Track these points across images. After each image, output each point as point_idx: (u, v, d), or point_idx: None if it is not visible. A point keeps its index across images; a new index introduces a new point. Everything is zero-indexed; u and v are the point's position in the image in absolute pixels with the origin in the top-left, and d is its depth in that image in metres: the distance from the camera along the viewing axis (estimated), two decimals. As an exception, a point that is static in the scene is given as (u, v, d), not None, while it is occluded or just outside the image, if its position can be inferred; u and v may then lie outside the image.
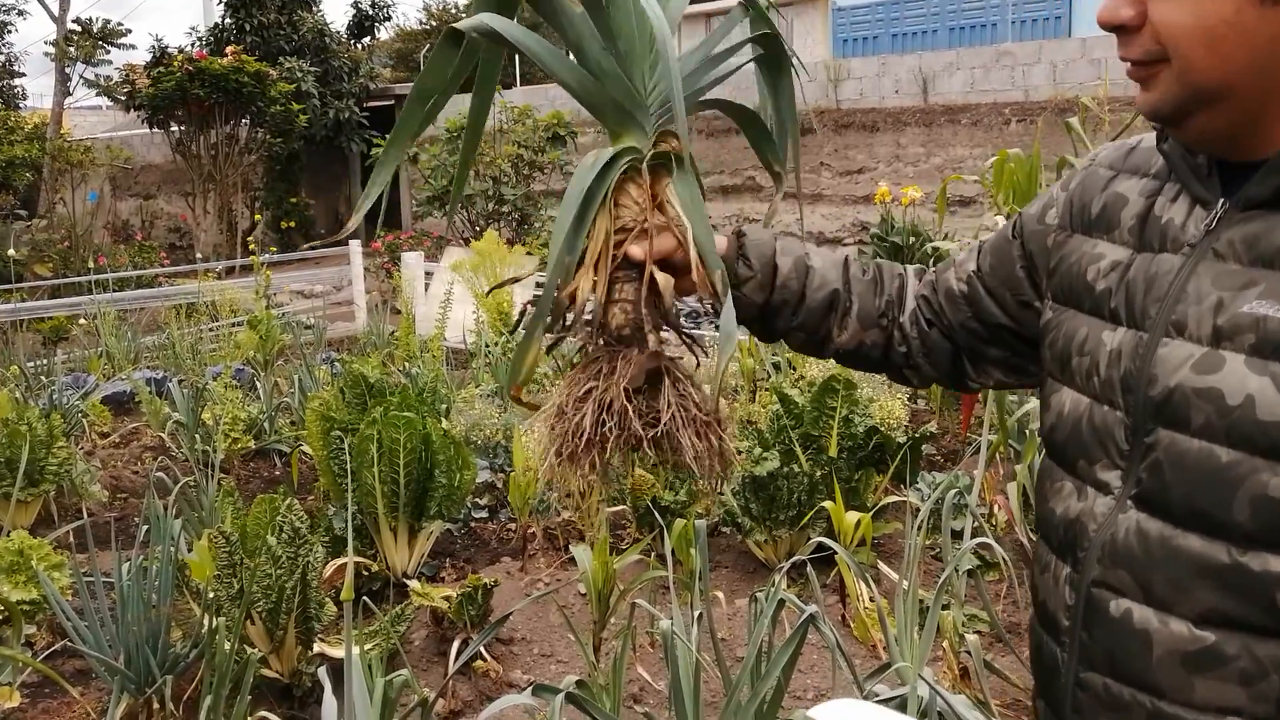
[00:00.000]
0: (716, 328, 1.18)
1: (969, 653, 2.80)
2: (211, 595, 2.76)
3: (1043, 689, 1.19)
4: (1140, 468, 1.04)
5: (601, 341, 1.20)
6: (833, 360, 1.44)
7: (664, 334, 1.22)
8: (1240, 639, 0.97)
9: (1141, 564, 1.03)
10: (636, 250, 1.18)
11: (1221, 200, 1.03)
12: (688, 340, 1.30)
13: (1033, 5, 16.58)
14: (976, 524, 3.54)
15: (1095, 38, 12.25)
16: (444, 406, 5.12)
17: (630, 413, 1.15)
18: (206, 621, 2.69)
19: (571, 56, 1.21)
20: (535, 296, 1.20)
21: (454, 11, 34.96)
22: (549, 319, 1.20)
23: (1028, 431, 4.11)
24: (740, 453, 3.97)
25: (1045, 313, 1.20)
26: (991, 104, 12.32)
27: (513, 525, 4.40)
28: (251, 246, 9.83)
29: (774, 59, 1.27)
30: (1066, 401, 1.14)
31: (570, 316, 1.21)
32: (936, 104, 12.74)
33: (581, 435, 1.15)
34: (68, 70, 20.79)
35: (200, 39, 18.41)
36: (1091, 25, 14.93)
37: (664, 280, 1.19)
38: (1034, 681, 1.23)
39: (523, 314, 1.23)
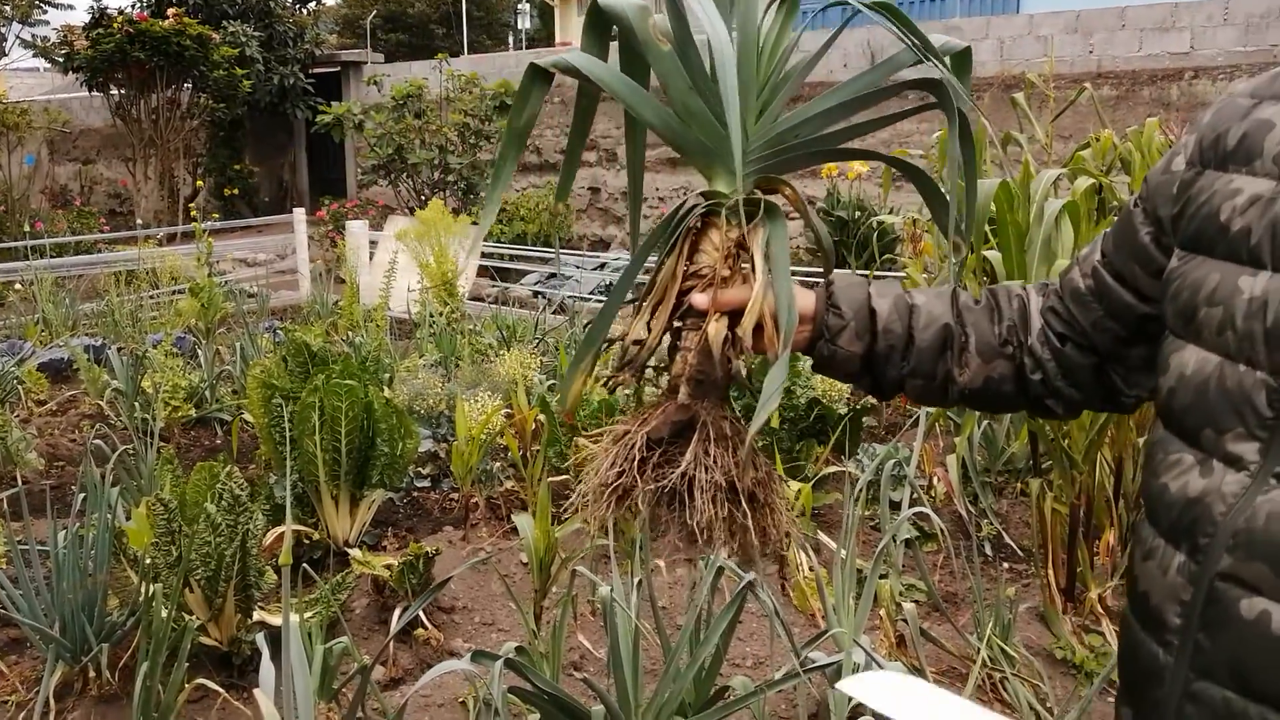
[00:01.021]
0: None
1: (905, 621, 2.85)
2: (149, 562, 2.73)
3: (1133, 696, 1.04)
4: None
5: (669, 389, 1.15)
6: (965, 405, 1.29)
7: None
8: None
9: None
10: (700, 299, 1.12)
11: None
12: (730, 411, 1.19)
13: (981, -18, 16.70)
14: (915, 495, 3.60)
15: (1042, 14, 12.36)
16: (387, 376, 5.09)
17: (635, 463, 1.10)
18: (143, 589, 2.66)
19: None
20: (588, 323, 1.19)
21: (402, -23, 34.45)
22: (621, 359, 1.17)
23: (967, 404, 4.17)
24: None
25: (1172, 262, 1.05)
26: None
27: (455, 495, 4.40)
28: (193, 213, 9.66)
29: (963, 134, 1.15)
30: (1191, 361, 0.98)
31: (629, 357, 1.17)
32: (879, 45, 12.79)
33: (604, 484, 1.12)
34: (3, 31, 20.19)
35: (141, 1, 18.00)
36: (1040, 2, 15.07)
37: (713, 332, 1.12)
38: (1120, 685, 1.09)
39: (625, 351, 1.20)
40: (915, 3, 16.18)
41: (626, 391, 1.21)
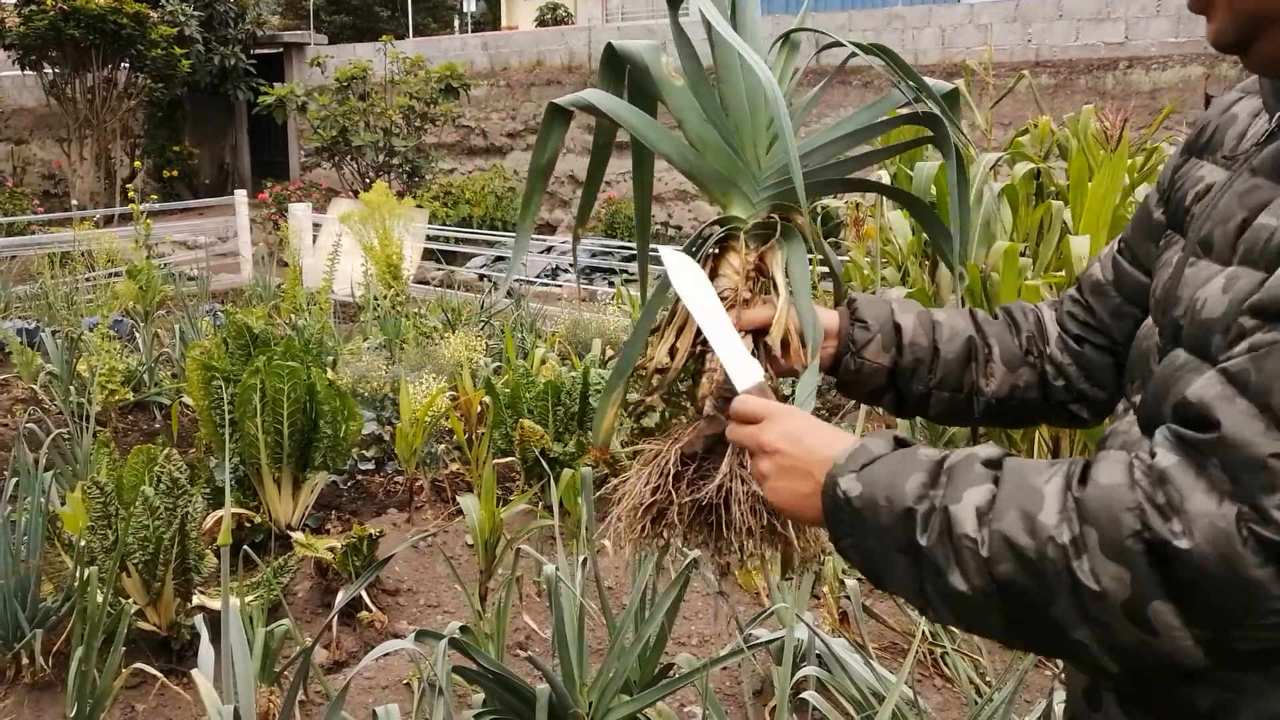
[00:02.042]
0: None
1: (848, 598, 2.88)
2: (84, 546, 2.68)
3: None
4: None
5: (697, 409, 1.17)
6: (990, 421, 1.31)
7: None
8: None
9: None
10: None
11: (1277, 115, 0.99)
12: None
13: (925, -30, 16.81)
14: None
15: (983, 4, 12.49)
16: (331, 359, 5.04)
17: (670, 477, 1.12)
18: (78, 573, 2.62)
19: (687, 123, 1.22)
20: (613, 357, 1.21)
21: (345, -43, 33.95)
22: (646, 384, 1.20)
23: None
24: (629, 405, 3.99)
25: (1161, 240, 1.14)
26: (883, 66, 12.48)
27: (400, 478, 4.37)
28: (131, 195, 9.48)
29: (959, 168, 1.22)
30: (1142, 325, 1.10)
31: (655, 382, 1.20)
32: (829, 64, 12.83)
33: (640, 503, 1.13)
34: (-70, 6, 19.67)
35: (76, -24, 17.57)
36: (981, -8, 15.21)
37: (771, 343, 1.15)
38: None
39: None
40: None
41: (650, 419, 1.23)
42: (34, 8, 14.40)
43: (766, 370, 1.14)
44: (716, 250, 1.20)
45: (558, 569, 2.30)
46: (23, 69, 15.39)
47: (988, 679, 2.73)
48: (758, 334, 1.17)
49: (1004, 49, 11.48)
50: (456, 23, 30.60)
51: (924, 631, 2.79)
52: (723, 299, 1.16)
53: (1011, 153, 4.54)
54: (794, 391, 1.15)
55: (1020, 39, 11.76)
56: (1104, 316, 1.24)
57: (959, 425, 1.40)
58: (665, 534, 1.14)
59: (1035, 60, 11.48)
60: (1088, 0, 11.42)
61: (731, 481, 1.11)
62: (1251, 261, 0.91)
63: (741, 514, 1.10)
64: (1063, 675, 1.15)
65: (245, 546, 3.03)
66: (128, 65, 15.48)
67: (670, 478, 1.12)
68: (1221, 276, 0.93)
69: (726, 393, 1.13)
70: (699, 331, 1.15)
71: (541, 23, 25.32)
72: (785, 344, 1.15)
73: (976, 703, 2.40)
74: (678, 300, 1.18)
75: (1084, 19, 11.43)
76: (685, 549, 1.23)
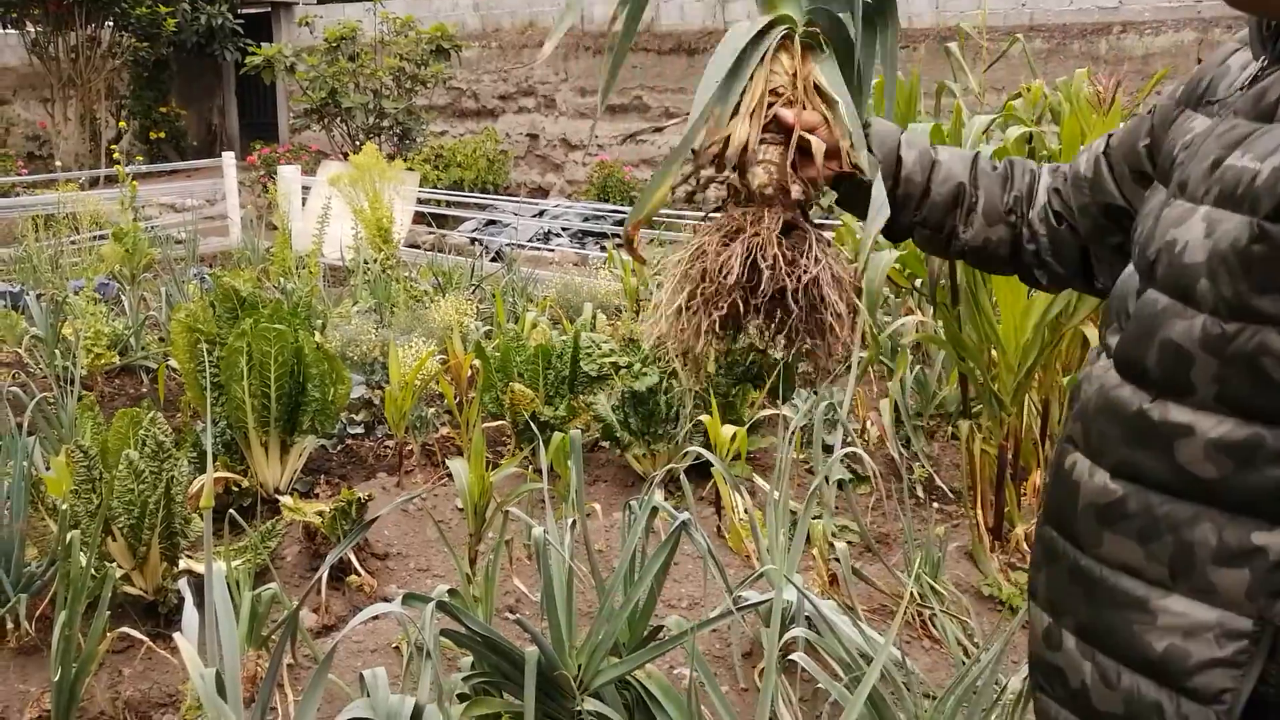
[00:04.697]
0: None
1: (838, 560, 2.87)
2: (67, 509, 2.66)
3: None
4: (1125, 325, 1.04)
5: (741, 200, 1.18)
6: (962, 259, 1.41)
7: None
8: (1144, 495, 0.98)
9: (1090, 415, 1.05)
10: (787, 114, 1.17)
11: (1262, 59, 1.01)
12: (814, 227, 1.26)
13: (920, -69, 16.64)
14: (848, 439, 3.62)
15: (978, -35, 12.37)
16: (320, 322, 5.00)
17: (781, 259, 1.12)
18: (62, 537, 2.60)
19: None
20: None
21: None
22: (695, 166, 1.20)
23: (900, 347, 4.21)
24: (620, 369, 3.97)
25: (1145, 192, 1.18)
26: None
27: (390, 442, 4.35)
28: (116, 156, 9.38)
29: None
30: (1122, 273, 1.12)
31: (714, 164, 1.19)
32: (823, 27, 12.75)
33: (728, 276, 1.12)
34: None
35: (58, -66, 17.31)
36: (976, -47, 15.07)
37: (817, 143, 1.17)
38: None
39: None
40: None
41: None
42: (16, -35, 14.19)
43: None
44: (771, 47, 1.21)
45: (546, 532, 2.29)
46: (4, 27, 15.18)
47: (975, 640, 2.73)
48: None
49: (997, 13, 11.38)
50: (446, -17, 30.28)
51: (912, 593, 2.79)
52: (777, 95, 1.19)
53: (1004, 116, 4.50)
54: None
55: (1014, 3, 11.66)
56: (1074, 207, 1.31)
57: (936, 256, 1.49)
58: (731, 311, 1.13)
59: (1029, 25, 11.39)
60: (1083, -36, 11.32)
61: (824, 269, 1.13)
62: (1233, 203, 0.92)
63: (834, 298, 1.13)
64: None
65: (232, 510, 3.01)
66: (112, 24, 15.28)
67: (771, 257, 1.12)
68: (1199, 219, 0.95)
69: (785, 186, 1.17)
70: (768, 117, 1.17)
71: (532, -17, 25.05)
72: (833, 151, 1.19)
73: (964, 663, 2.40)
74: (747, 85, 1.18)
75: (1079, -18, 11.33)
76: (757, 342, 1.22)
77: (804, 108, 1.19)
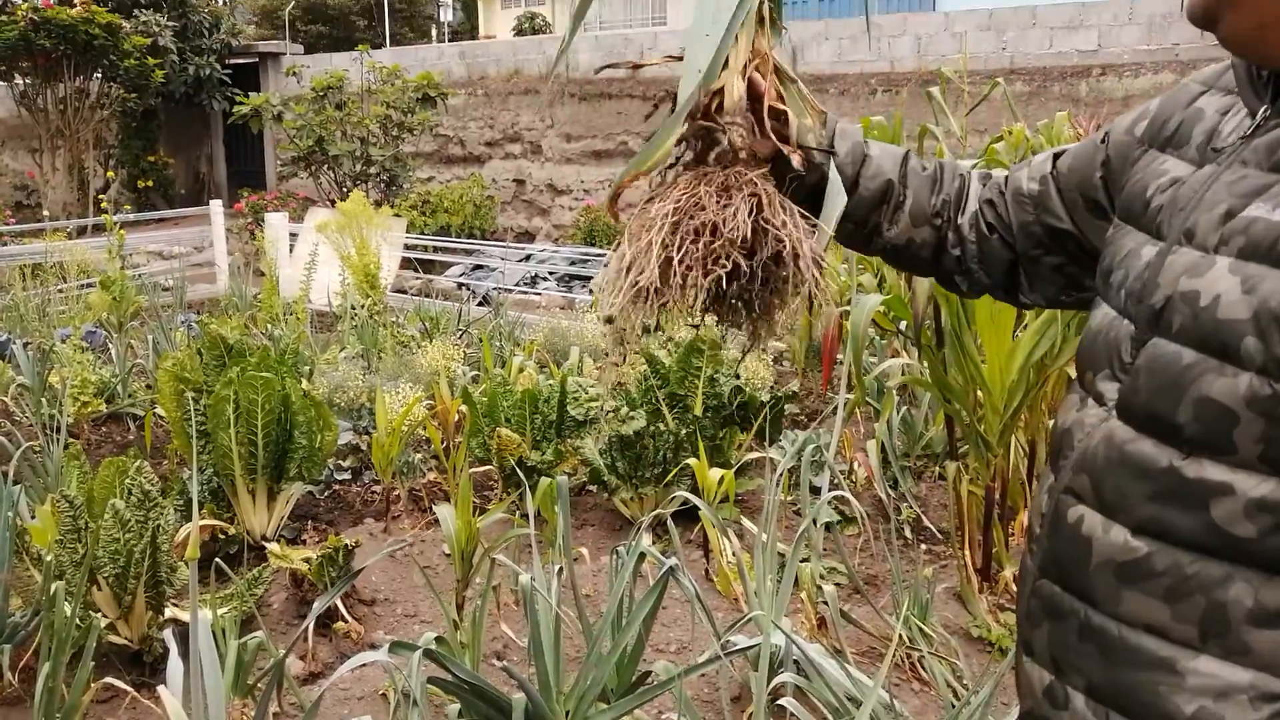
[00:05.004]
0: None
1: (826, 603, 2.87)
2: (52, 559, 2.64)
3: (1017, 600, 1.16)
4: (1130, 376, 1.01)
5: (723, 158, 1.14)
6: (881, 257, 1.38)
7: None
8: (1172, 554, 0.94)
9: (1100, 470, 1.01)
10: (760, 80, 1.16)
11: (1264, 108, 1.00)
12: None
13: (900, -22, 16.90)
14: (835, 480, 3.63)
15: (958, 12, 12.56)
16: (307, 368, 5.00)
17: (782, 219, 1.09)
18: (46, 587, 2.58)
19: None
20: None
21: (321, -32, 33.89)
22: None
23: (886, 389, 4.23)
24: (608, 413, 3.98)
25: (1110, 229, 1.16)
26: (859, 74, 12.54)
27: (377, 487, 4.34)
28: (104, 205, 9.40)
29: None
30: (1098, 316, 1.10)
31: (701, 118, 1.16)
32: (805, 73, 12.90)
33: (734, 231, 1.06)
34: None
35: (47, -13, 17.46)
36: (955, 0, 15.31)
37: (791, 116, 1.16)
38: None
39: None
40: (834, 0, 16.35)
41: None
42: (4, 19, 14.30)
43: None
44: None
45: (533, 578, 2.29)
46: (-6, 79, 15.28)
47: (965, 682, 2.73)
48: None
49: (979, 57, 11.55)
50: (434, 32, 30.55)
51: (901, 636, 2.79)
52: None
53: (986, 160, 4.56)
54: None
55: (995, 47, 11.83)
56: (1014, 223, 1.29)
57: (856, 252, 1.45)
58: (700, 274, 1.07)
59: (1010, 68, 11.55)
60: (1061, 8, 11.50)
61: (804, 229, 1.10)
62: (1271, 259, 0.90)
63: (808, 260, 1.09)
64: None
65: (218, 559, 2.99)
66: (100, 75, 15.39)
67: (746, 221, 1.07)
68: (1224, 271, 0.92)
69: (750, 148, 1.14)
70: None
71: (519, 32, 25.31)
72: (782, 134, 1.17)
73: (954, 705, 2.39)
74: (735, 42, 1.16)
75: (1057, 27, 11.52)
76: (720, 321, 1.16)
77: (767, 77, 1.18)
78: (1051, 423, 1.22)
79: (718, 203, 1.08)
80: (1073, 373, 3.36)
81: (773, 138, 1.15)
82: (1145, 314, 1.00)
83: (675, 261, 1.06)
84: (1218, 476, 0.91)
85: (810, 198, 1.20)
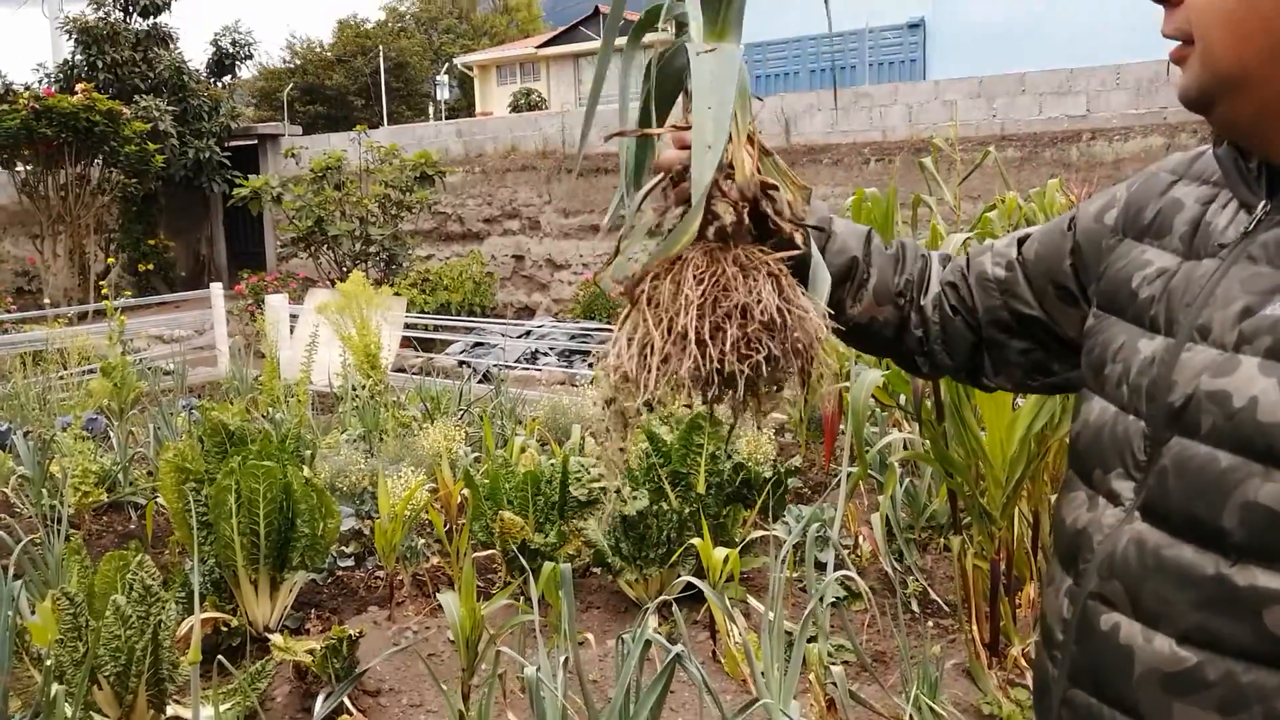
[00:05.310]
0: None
1: (834, 684, 2.84)
2: (52, 661, 2.62)
3: (1036, 708, 1.13)
4: (1152, 477, 0.98)
5: (727, 234, 1.09)
6: (842, 337, 1.31)
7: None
8: (1223, 663, 0.91)
9: (1135, 575, 0.97)
10: (745, 155, 1.12)
11: (1264, 203, 0.99)
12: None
13: (889, 48, 17.22)
14: (840, 556, 3.61)
15: (948, 80, 12.76)
16: (309, 452, 4.99)
17: (793, 297, 1.05)
18: (46, 690, 2.55)
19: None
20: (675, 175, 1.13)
21: (318, 51, 34.55)
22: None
23: (889, 463, 4.22)
24: (609, 492, 3.97)
25: (1089, 319, 1.15)
26: (851, 144, 12.70)
27: (380, 573, 4.31)
28: (105, 291, 9.47)
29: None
30: (1095, 410, 1.08)
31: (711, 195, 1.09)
32: (799, 144, 13.07)
33: (738, 312, 1.01)
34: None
35: (49, 76, 17.76)
36: (944, 68, 15.58)
37: (779, 194, 1.12)
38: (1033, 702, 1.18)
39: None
40: (826, 71, 16.61)
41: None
42: (6, 108, 14.51)
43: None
44: None
45: (538, 669, 2.27)
46: (-3, 167, 15.47)
47: (980, 765, 2.69)
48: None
49: (969, 124, 11.71)
50: (431, 110, 31.01)
51: (911, 716, 2.75)
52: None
53: (979, 231, 4.61)
54: None
55: (985, 114, 12.00)
56: (979, 307, 1.28)
57: None
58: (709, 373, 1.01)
59: (1001, 134, 11.70)
60: (1049, 75, 11.69)
61: (789, 310, 1.05)
62: None
63: (804, 342, 1.04)
64: None
65: (220, 653, 2.97)
66: (101, 161, 15.58)
67: (770, 297, 1.02)
68: (1255, 372, 0.91)
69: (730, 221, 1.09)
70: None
71: (515, 109, 25.70)
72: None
73: (969, 791, 2.36)
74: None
75: (1046, 93, 11.68)
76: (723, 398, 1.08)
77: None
78: (1054, 517, 1.14)
79: (744, 284, 1.04)
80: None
81: (770, 214, 1.12)
82: (1161, 412, 0.98)
83: (711, 348, 1.01)
84: (1271, 584, 0.88)
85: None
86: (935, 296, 1.31)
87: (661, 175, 1.19)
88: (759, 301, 1.03)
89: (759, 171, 1.13)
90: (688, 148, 1.12)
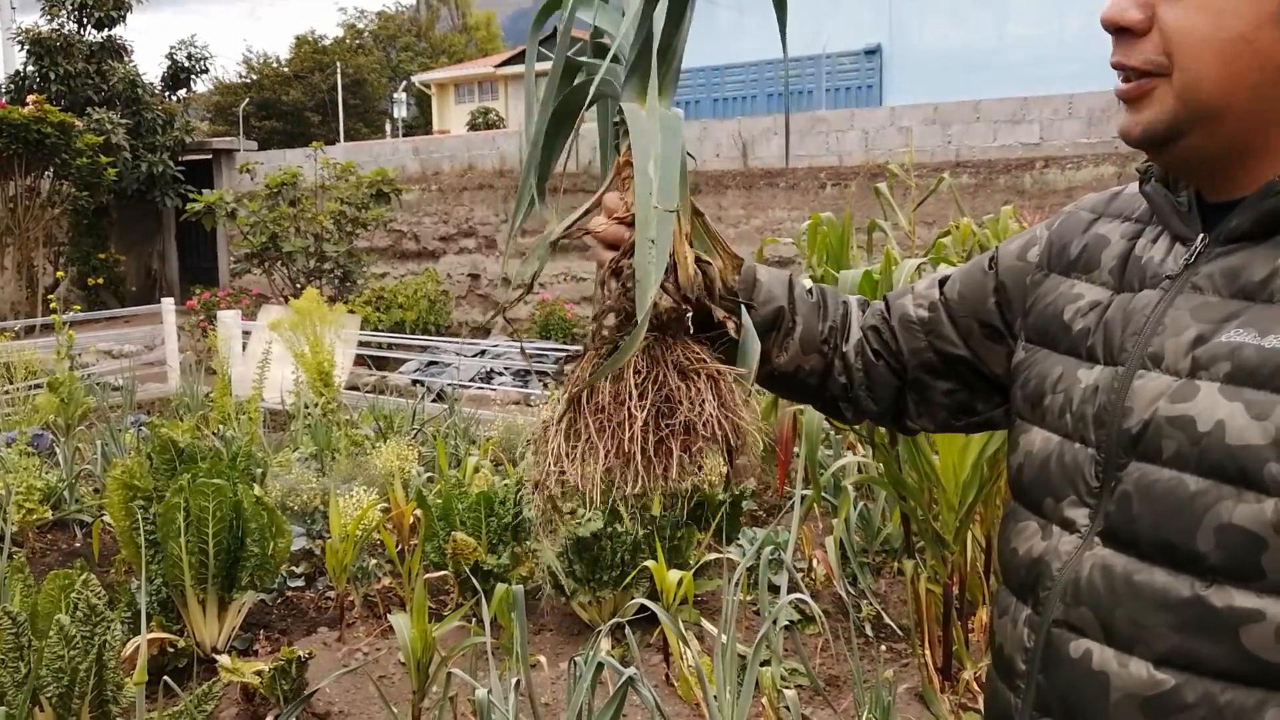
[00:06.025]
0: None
1: (788, 708, 2.84)
2: (-6, 682, 2.56)
3: None
4: (1109, 503, 0.99)
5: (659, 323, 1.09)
6: (765, 386, 1.33)
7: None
8: (1201, 684, 0.92)
9: (1105, 602, 0.98)
10: (685, 250, 1.11)
11: (1201, 235, 1.01)
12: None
13: (846, 74, 17.41)
14: (794, 579, 3.62)
15: (903, 106, 12.93)
16: (260, 471, 4.93)
17: (729, 389, 1.07)
18: (-13, 711, 2.50)
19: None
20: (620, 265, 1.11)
21: (274, 66, 34.32)
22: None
23: (843, 486, 4.24)
24: (564, 514, 3.95)
25: (1018, 353, 1.17)
26: (808, 168, 12.81)
27: (331, 594, 4.26)
28: (53, 305, 9.31)
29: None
30: (1036, 441, 1.09)
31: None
32: (756, 167, 13.17)
33: (681, 428, 1.04)
34: None
35: None
36: (900, 94, 15.78)
37: (714, 273, 1.12)
38: None
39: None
40: (778, 96, 16.76)
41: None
42: (-45, 119, 14.29)
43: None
44: None
45: (490, 691, 2.25)
46: (-57, 179, 15.21)
47: (931, 788, 2.70)
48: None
49: (925, 150, 11.86)
50: (388, 128, 30.89)
51: (865, 741, 2.76)
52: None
53: (933, 257, 4.66)
54: None
55: (940, 140, 12.16)
56: (903, 350, 1.28)
57: None
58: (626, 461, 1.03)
59: (955, 161, 11.87)
60: (1003, 103, 11.88)
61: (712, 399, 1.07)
62: (1273, 387, 0.90)
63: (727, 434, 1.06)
64: None
65: (166, 674, 2.92)
66: (51, 174, 15.37)
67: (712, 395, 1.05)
68: (1217, 397, 0.92)
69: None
70: None
71: (473, 127, 25.68)
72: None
73: (920, 815, 2.37)
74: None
75: (1000, 121, 11.87)
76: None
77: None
78: (1000, 548, 1.15)
79: (687, 395, 1.06)
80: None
81: (708, 304, 1.13)
82: (1115, 439, 0.99)
83: (656, 467, 1.04)
84: (1246, 604, 0.90)
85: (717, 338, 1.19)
86: (857, 343, 1.31)
87: (591, 215, 1.20)
88: (701, 414, 1.05)
89: (692, 244, 1.13)
90: (623, 222, 1.13)
